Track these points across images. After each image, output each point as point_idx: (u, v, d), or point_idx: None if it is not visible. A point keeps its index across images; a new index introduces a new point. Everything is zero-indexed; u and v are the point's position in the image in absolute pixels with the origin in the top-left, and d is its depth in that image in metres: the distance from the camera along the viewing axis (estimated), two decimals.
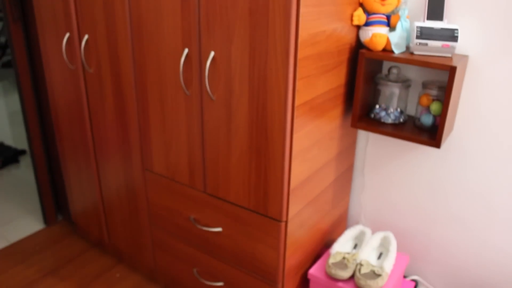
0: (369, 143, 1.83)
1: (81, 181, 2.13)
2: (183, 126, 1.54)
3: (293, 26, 1.18)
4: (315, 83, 1.35)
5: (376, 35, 1.47)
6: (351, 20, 1.49)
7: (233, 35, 1.29)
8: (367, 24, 1.51)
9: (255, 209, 1.47)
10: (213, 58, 1.36)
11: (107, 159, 1.92)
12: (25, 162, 3.35)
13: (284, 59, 1.21)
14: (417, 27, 1.44)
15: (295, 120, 1.29)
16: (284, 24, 1.18)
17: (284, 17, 1.17)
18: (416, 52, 1.48)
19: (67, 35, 1.79)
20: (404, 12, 1.51)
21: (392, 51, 1.51)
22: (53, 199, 2.51)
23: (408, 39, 1.54)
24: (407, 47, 1.57)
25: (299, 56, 1.22)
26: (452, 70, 1.37)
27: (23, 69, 2.19)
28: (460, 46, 1.54)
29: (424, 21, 1.49)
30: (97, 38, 1.69)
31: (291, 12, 1.16)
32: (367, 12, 1.51)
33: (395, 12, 1.58)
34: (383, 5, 1.48)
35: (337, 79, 1.50)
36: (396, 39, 1.49)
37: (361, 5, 1.53)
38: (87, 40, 1.73)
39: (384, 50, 1.52)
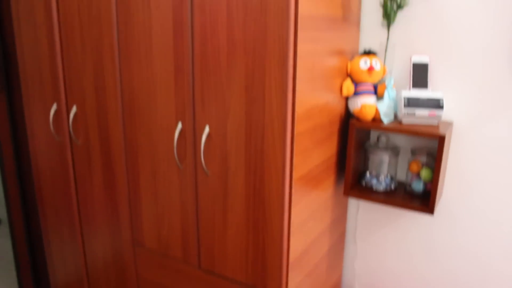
0: (360, 209, 1.83)
1: (64, 254, 2.04)
2: (176, 200, 1.51)
3: (290, 102, 1.19)
4: (310, 156, 1.36)
5: (366, 106, 1.50)
6: (341, 91, 1.52)
7: (228, 110, 1.29)
8: (355, 94, 1.55)
9: (253, 285, 1.43)
10: (208, 133, 1.36)
11: (93, 232, 1.86)
12: (2, 232, 3.22)
13: (281, 135, 1.22)
14: (404, 97, 1.49)
15: (293, 195, 1.29)
16: (281, 100, 1.19)
17: (281, 94, 1.19)
18: (404, 121, 1.51)
19: (55, 106, 1.78)
20: (390, 82, 1.56)
21: (381, 120, 1.54)
22: (32, 272, 2.40)
23: (395, 107, 1.58)
24: (395, 115, 1.61)
25: (296, 131, 1.23)
26: (441, 139, 1.40)
27: (5, 138, 2.15)
28: (445, 113, 1.58)
29: (409, 89, 1.53)
30: (86, 109, 1.68)
31: (288, 89, 1.18)
32: (355, 82, 1.56)
33: (381, 81, 1.63)
34: (370, 75, 1.53)
35: (329, 149, 1.51)
36: (385, 109, 1.53)
37: (349, 75, 1.57)
38: (75, 112, 1.72)
39: (373, 119, 1.55)
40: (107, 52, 1.54)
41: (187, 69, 1.35)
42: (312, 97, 1.30)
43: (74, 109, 1.72)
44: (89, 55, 1.60)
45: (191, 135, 1.40)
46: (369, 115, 1.51)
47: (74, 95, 1.70)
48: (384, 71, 1.57)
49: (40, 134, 1.90)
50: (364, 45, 1.66)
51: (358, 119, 1.55)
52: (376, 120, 1.54)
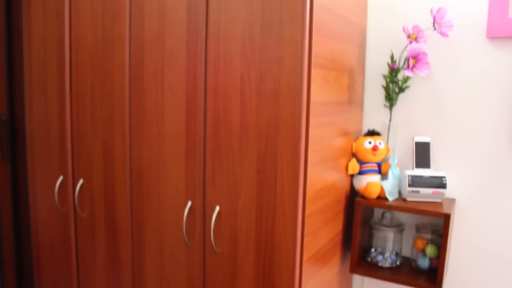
0: (365, 284, 1.82)
1: None
2: (183, 277, 1.50)
3: (301, 184, 1.22)
4: (319, 235, 1.37)
5: (371, 184, 1.54)
6: (346, 170, 1.56)
7: (240, 191, 1.32)
8: (360, 172, 1.59)
9: None
10: (218, 212, 1.37)
11: None
12: None
13: (292, 217, 1.24)
14: (408, 176, 1.53)
15: (303, 275, 1.28)
16: (293, 183, 1.22)
17: (292, 177, 1.22)
18: (408, 199, 1.54)
19: (61, 178, 1.79)
20: (394, 161, 1.60)
21: (385, 198, 1.57)
22: None
23: (399, 185, 1.61)
24: (399, 192, 1.64)
25: (307, 213, 1.25)
26: (446, 218, 1.43)
27: (5, 206, 2.13)
28: (447, 190, 1.62)
29: (413, 169, 1.58)
30: (93, 183, 1.69)
31: (300, 172, 1.21)
32: (360, 162, 1.60)
33: (385, 160, 1.67)
34: (374, 155, 1.57)
35: (335, 227, 1.53)
36: (389, 187, 1.57)
37: (354, 155, 1.62)
38: (81, 184, 1.73)
39: (378, 196, 1.58)
40: (118, 128, 1.58)
41: (199, 149, 1.38)
42: (321, 178, 1.34)
43: (80, 182, 1.73)
44: (99, 129, 1.64)
45: (200, 213, 1.42)
46: (374, 193, 1.54)
47: (81, 169, 1.72)
48: (387, 150, 1.62)
49: (43, 205, 1.89)
50: (367, 125, 1.72)
51: (363, 196, 1.58)
52: (381, 197, 1.57)
